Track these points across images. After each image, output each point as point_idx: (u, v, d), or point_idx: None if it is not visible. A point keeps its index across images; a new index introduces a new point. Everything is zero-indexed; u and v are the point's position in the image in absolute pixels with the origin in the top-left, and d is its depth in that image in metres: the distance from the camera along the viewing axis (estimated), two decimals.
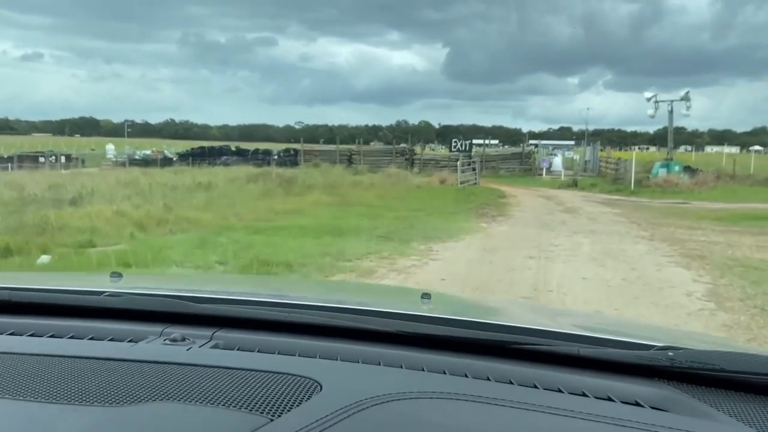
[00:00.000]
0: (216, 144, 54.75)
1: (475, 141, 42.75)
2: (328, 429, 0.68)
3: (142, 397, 0.77)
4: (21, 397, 0.77)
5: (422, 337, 1.04)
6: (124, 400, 0.76)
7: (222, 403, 0.75)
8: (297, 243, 10.13)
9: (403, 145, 41.87)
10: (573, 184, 27.82)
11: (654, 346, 1.03)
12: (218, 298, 1.33)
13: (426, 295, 1.47)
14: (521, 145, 39.59)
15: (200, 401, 0.76)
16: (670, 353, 0.96)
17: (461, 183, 26.53)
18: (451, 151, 30.13)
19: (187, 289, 1.54)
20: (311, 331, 1.09)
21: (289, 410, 0.73)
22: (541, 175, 36.95)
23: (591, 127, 43.98)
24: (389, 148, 41.56)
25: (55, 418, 0.72)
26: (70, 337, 1.04)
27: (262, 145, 56.74)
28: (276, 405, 0.75)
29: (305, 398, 0.77)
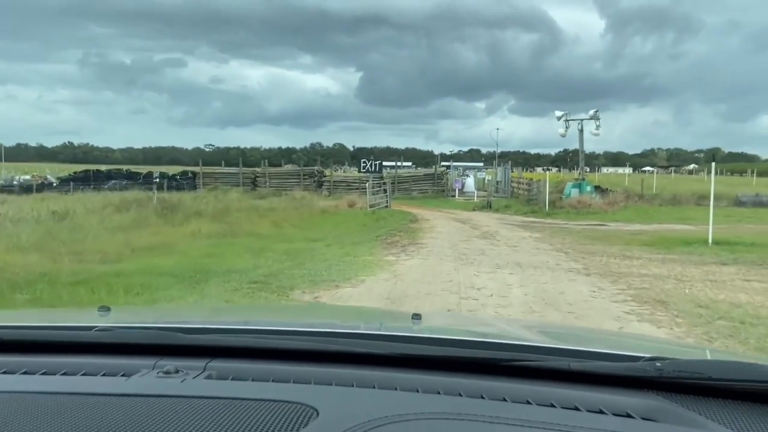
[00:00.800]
0: (113, 167, 49.51)
1: (387, 163, 40.78)
2: None
3: (142, 430, 0.76)
4: None
5: (415, 358, 1.03)
6: None
7: None
8: (126, 299, 7.08)
9: (312, 167, 39.10)
10: (487, 206, 26.19)
11: (642, 357, 1.03)
12: (210, 327, 1.30)
13: (416, 316, 1.45)
14: (434, 166, 38.02)
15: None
16: (658, 364, 0.97)
17: (371, 206, 24.11)
18: (360, 171, 27.73)
19: (178, 320, 1.54)
20: (304, 357, 1.07)
21: None
22: (454, 196, 35.40)
23: (498, 150, 43.24)
24: (297, 170, 38.66)
25: None
26: (62, 374, 1.02)
27: (171, 169, 51.90)
28: None
29: (303, 425, 0.76)
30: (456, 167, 42.02)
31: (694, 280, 8.97)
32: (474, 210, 26.32)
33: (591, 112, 25.74)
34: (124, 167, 50.69)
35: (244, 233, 15.55)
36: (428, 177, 37.41)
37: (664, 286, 8.42)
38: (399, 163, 41.09)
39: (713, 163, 13.26)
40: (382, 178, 37.55)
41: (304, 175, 37.75)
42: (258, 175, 38.25)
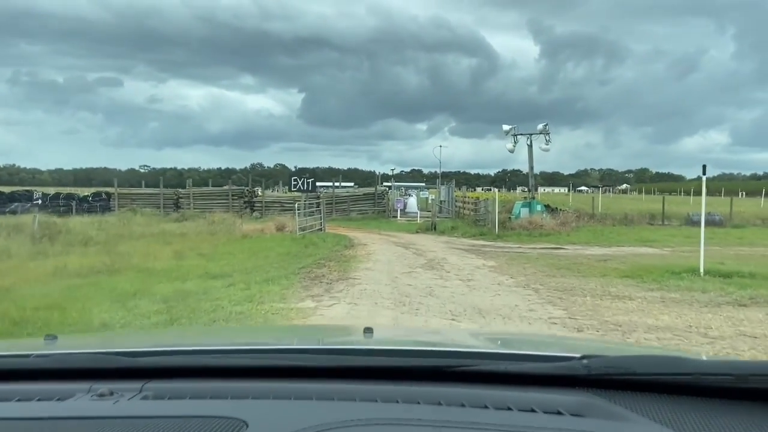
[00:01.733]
0: (24, 189, 43.93)
1: (325, 183, 37.66)
2: None
3: None
4: None
5: (358, 369, 1.03)
6: None
7: None
8: None
9: (241, 186, 35.43)
10: (432, 228, 23.47)
11: (573, 357, 1.05)
12: (147, 350, 1.26)
13: (368, 330, 1.43)
14: (375, 185, 35.24)
15: None
16: (585, 361, 0.99)
17: (301, 229, 20.88)
18: (290, 191, 24.48)
19: (117, 344, 1.53)
20: (243, 374, 1.05)
21: None
22: (395, 217, 32.61)
23: (441, 169, 40.93)
24: (224, 190, 34.87)
25: None
26: None
27: (105, 190, 46.57)
28: None
29: None
30: (398, 187, 39.32)
31: (725, 335, 6.32)
32: (417, 232, 23.52)
33: (540, 126, 23.66)
34: (51, 189, 45.30)
35: (130, 268, 12.00)
36: (368, 197, 34.52)
37: (697, 351, 5.69)
38: (337, 183, 38.00)
39: (704, 177, 10.88)
40: (318, 197, 34.42)
41: (233, 195, 34.03)
42: (181, 195, 34.22)
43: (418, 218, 30.88)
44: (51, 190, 41.95)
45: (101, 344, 1.67)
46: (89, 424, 0.84)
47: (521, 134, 23.97)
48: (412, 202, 35.58)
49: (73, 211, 30.72)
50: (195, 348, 1.31)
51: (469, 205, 28.92)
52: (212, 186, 37.38)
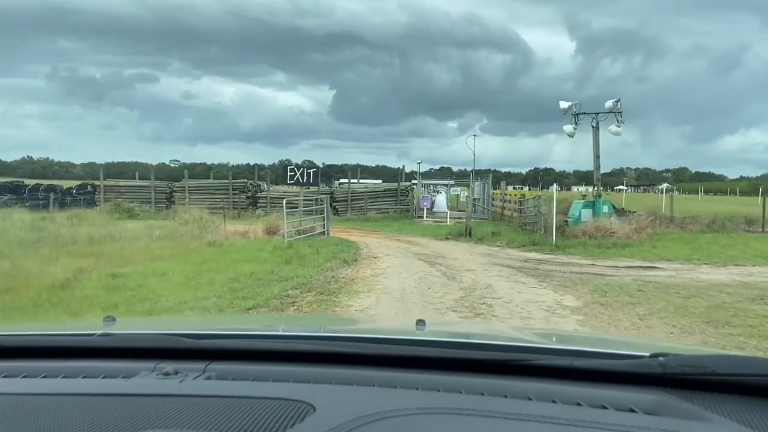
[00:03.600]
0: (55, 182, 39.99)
1: (343, 181, 32.34)
2: None
3: (141, 428, 0.75)
4: None
5: (417, 359, 1.01)
6: (126, 430, 0.75)
7: (219, 429, 0.73)
8: None
9: (244, 180, 30.41)
10: (466, 233, 17.91)
11: (643, 356, 1.00)
12: (210, 333, 1.29)
13: (420, 322, 1.42)
14: (398, 180, 29.82)
15: (198, 429, 0.74)
16: (662, 359, 0.95)
17: (297, 233, 15.64)
18: (287, 184, 19.19)
19: (179, 327, 1.46)
20: (304, 358, 1.05)
21: (284, 431, 0.72)
22: (421, 217, 27.12)
23: (469, 168, 35.01)
24: (225, 183, 29.94)
25: None
26: (63, 377, 1.01)
27: (91, 182, 42.40)
28: (270, 428, 0.73)
29: (299, 420, 0.76)
30: (426, 185, 33.62)
31: None
32: (447, 238, 17.97)
33: (609, 103, 17.88)
34: (73, 183, 41.39)
35: None
36: (390, 194, 29.14)
37: None
38: (354, 180, 32.65)
39: None
40: (331, 193, 29.15)
41: (234, 189, 29.08)
42: (174, 189, 29.41)
43: (448, 219, 25.31)
44: (72, 183, 37.66)
45: (161, 326, 1.62)
46: (155, 402, 0.84)
47: (584, 113, 18.19)
48: (441, 200, 29.98)
49: (50, 205, 26.17)
50: (257, 333, 1.31)
51: (511, 205, 23.21)
52: (213, 179, 32.48)
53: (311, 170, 17.91)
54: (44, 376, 1.01)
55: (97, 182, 29.99)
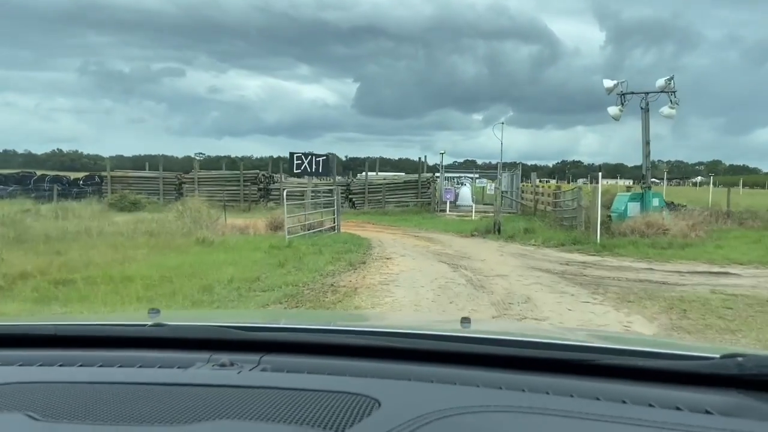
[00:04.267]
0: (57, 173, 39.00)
1: (372, 173, 30.37)
2: None
3: (201, 417, 0.74)
4: (79, 422, 0.75)
5: (476, 357, 0.98)
6: (185, 420, 0.74)
7: (283, 421, 0.72)
8: None
9: (255, 170, 28.63)
10: (494, 229, 15.73)
11: (710, 357, 0.96)
12: (262, 326, 1.30)
13: (465, 320, 1.39)
14: (419, 171, 27.67)
15: (260, 419, 0.73)
16: (740, 359, 0.90)
17: (302, 229, 13.71)
18: (293, 174, 17.17)
19: (229, 319, 1.55)
20: (359, 353, 1.03)
21: (351, 426, 0.71)
22: (444, 210, 24.98)
23: (494, 161, 32.36)
24: (236, 174, 28.23)
25: None
26: (119, 366, 1.01)
27: (99, 173, 41.09)
28: (338, 421, 0.72)
29: (366, 414, 0.74)
30: (450, 178, 31.31)
31: None
32: (473, 235, 15.83)
33: (661, 81, 15.46)
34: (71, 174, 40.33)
35: None
36: (410, 186, 27.01)
37: None
38: (372, 173, 30.62)
39: None
40: (348, 184, 27.17)
41: (245, 180, 27.34)
42: (184, 180, 27.81)
43: (473, 213, 23.12)
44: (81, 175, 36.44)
45: (209, 318, 1.67)
46: (214, 392, 0.84)
47: (632, 93, 15.80)
48: (466, 192, 27.78)
49: (55, 196, 24.78)
50: (309, 326, 1.31)
51: (545, 198, 20.91)
52: (226, 170, 30.80)
53: (320, 158, 15.92)
54: (101, 365, 1.02)
55: (104, 173, 28.51)
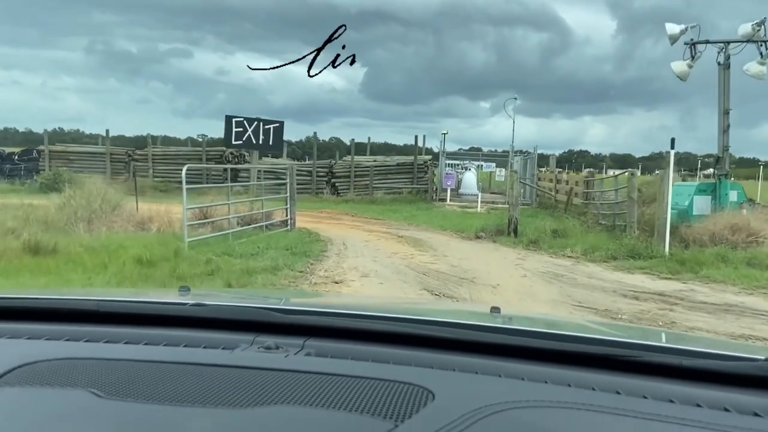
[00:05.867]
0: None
1: (361, 156, 25.67)
2: None
3: (256, 400, 0.74)
4: (141, 401, 0.74)
5: (515, 348, 0.97)
6: (240, 403, 0.73)
7: (338, 407, 0.72)
8: None
9: (221, 148, 23.98)
10: (509, 229, 11.12)
11: (756, 358, 0.95)
12: (304, 309, 1.26)
13: (495, 309, 1.36)
14: (414, 153, 22.98)
15: (318, 405, 0.73)
16: None
17: (218, 229, 9.19)
18: (232, 145, 12.32)
19: (267, 301, 1.53)
20: (402, 341, 1.01)
21: (409, 417, 0.69)
22: (443, 199, 20.43)
23: (501, 149, 27.66)
24: (197, 151, 23.69)
25: (185, 419, 0.69)
26: (164, 345, 1.00)
27: (38, 148, 36.59)
28: (395, 411, 0.70)
29: (422, 406, 0.73)
30: (452, 164, 26.40)
31: None
32: (480, 237, 11.24)
33: (748, 27, 10.81)
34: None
35: None
36: (404, 169, 22.41)
37: None
38: (356, 157, 25.97)
39: None
40: (330, 168, 22.61)
41: (209, 159, 22.80)
42: (136, 157, 23.30)
43: (479, 203, 18.55)
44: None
45: (244, 299, 1.64)
46: (262, 375, 0.82)
47: (707, 42, 11.10)
48: (470, 178, 23.15)
49: None
50: (350, 312, 1.24)
51: (568, 187, 16.23)
52: (193, 147, 26.17)
53: (269, 126, 11.37)
54: (146, 343, 1.00)
55: (42, 147, 24.01)
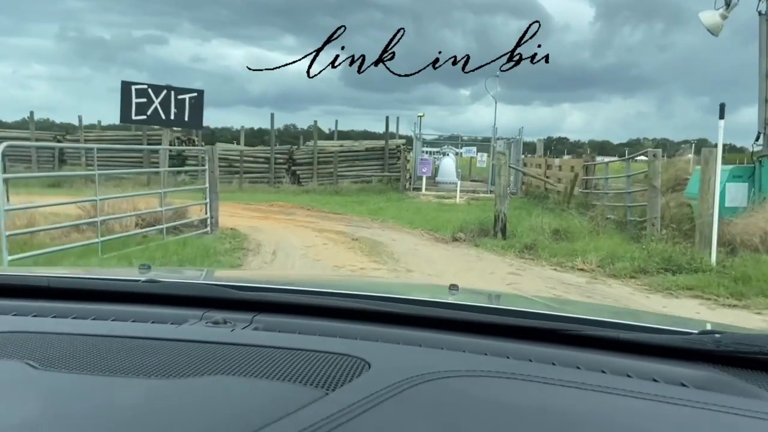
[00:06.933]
0: None
1: (326, 142, 22.78)
2: (381, 403, 0.65)
3: (196, 372, 0.74)
4: (76, 372, 0.74)
5: (463, 323, 0.99)
6: (179, 374, 0.73)
7: (275, 378, 0.73)
8: None
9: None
10: (495, 227, 8.56)
11: (689, 332, 0.98)
12: (255, 286, 1.23)
13: (453, 287, 1.34)
14: (385, 137, 20.21)
15: (253, 376, 0.73)
16: (717, 336, 0.93)
17: (15, 252, 6.45)
18: (129, 119, 9.38)
19: (221, 278, 1.47)
20: (350, 315, 1.03)
21: (342, 385, 0.71)
22: (418, 189, 17.87)
23: (480, 135, 25.01)
24: (138, 136, 20.68)
25: (118, 389, 0.70)
26: (112, 320, 1.00)
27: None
28: (329, 381, 0.72)
29: (356, 375, 0.74)
30: (430, 151, 23.73)
31: None
32: (458, 239, 8.61)
33: None
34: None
35: None
36: (374, 155, 19.72)
37: None
38: (319, 143, 23.31)
39: None
40: (290, 154, 19.84)
41: (150, 143, 19.83)
42: (66, 138, 20.26)
43: (458, 193, 16.01)
44: None
45: (198, 277, 1.64)
46: (209, 348, 0.82)
47: None
48: (449, 164, 20.59)
49: None
50: (302, 288, 1.24)
51: (562, 174, 13.75)
52: (135, 132, 23.05)
53: (185, 95, 8.58)
54: (94, 318, 1.01)
55: None
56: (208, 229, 8.36)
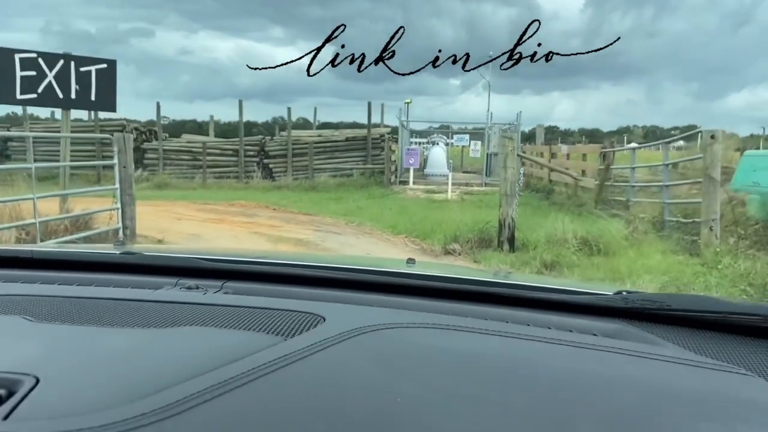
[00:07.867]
0: None
1: (302, 132, 20.58)
2: (331, 347, 0.73)
3: (172, 324, 0.82)
4: (67, 323, 0.82)
5: (416, 288, 1.09)
6: (158, 326, 0.81)
7: (241, 329, 0.80)
8: None
9: (121, 122, 18.59)
10: (500, 236, 6.53)
11: (605, 294, 1.08)
12: (225, 258, 1.35)
13: (411, 260, 1.48)
14: (368, 126, 18.03)
15: (223, 327, 0.81)
16: (624, 293, 1.04)
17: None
18: (14, 99, 7.27)
19: (195, 252, 1.58)
20: (313, 283, 1.12)
21: (299, 334, 0.78)
22: (405, 182, 15.81)
23: (470, 125, 22.90)
24: (88, 125, 18.37)
25: (104, 335, 0.78)
26: (95, 286, 1.08)
27: None
28: (287, 331, 0.79)
29: (312, 327, 0.82)
30: (418, 142, 21.56)
31: None
32: (452, 252, 6.56)
33: None
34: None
35: None
36: (355, 145, 17.61)
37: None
38: (309, 131, 21.09)
39: None
40: (261, 146, 17.64)
41: (103, 140, 17.54)
42: (8, 136, 17.92)
43: (449, 186, 13.97)
44: None
45: (173, 251, 1.72)
46: (181, 308, 0.90)
47: None
48: (438, 155, 18.52)
49: None
50: (269, 260, 1.38)
51: (569, 163, 11.69)
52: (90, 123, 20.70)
53: (90, 67, 6.45)
54: (78, 284, 1.08)
55: None
56: (121, 239, 6.24)
